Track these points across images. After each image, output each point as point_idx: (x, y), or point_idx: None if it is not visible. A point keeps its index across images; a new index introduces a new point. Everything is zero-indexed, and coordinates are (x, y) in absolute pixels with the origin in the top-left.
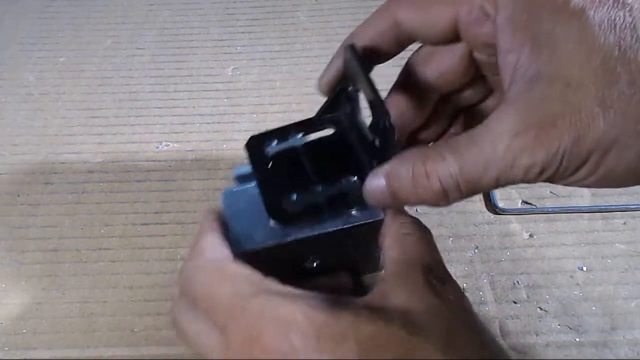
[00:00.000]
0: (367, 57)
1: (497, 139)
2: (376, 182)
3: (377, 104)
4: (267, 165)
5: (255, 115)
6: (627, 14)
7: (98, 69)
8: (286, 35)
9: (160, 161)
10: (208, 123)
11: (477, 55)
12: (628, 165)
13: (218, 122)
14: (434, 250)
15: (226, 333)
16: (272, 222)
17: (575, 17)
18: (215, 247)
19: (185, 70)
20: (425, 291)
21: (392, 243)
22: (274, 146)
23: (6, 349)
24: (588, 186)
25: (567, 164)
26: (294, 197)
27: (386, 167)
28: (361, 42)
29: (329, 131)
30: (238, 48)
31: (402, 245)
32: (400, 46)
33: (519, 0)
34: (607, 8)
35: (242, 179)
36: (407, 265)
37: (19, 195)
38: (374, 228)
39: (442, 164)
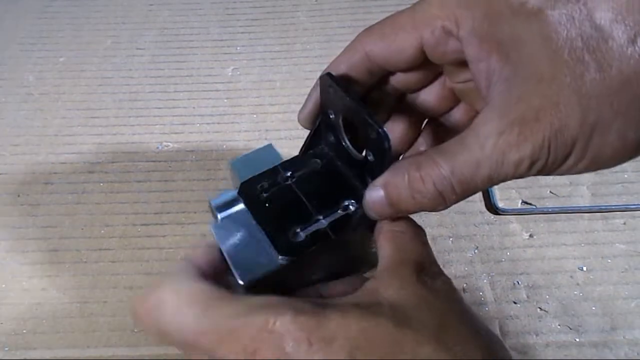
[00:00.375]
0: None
1: (483, 139)
2: (375, 194)
3: (365, 117)
4: (265, 207)
5: (255, 116)
6: (582, 7)
7: (98, 69)
8: (286, 35)
9: (160, 161)
10: (208, 123)
11: (447, 71)
12: (612, 144)
13: (218, 122)
14: (426, 248)
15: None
16: (277, 254)
17: (534, 17)
18: (175, 281)
19: (185, 70)
20: (416, 286)
21: (385, 241)
22: (266, 187)
23: (6, 349)
24: (580, 172)
25: (555, 154)
26: (299, 231)
27: (383, 178)
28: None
29: (314, 165)
30: (238, 48)
31: (395, 243)
32: (373, 77)
33: (477, 11)
34: (563, 4)
35: (221, 207)
36: (399, 262)
37: (19, 196)
38: (372, 226)
39: (435, 168)
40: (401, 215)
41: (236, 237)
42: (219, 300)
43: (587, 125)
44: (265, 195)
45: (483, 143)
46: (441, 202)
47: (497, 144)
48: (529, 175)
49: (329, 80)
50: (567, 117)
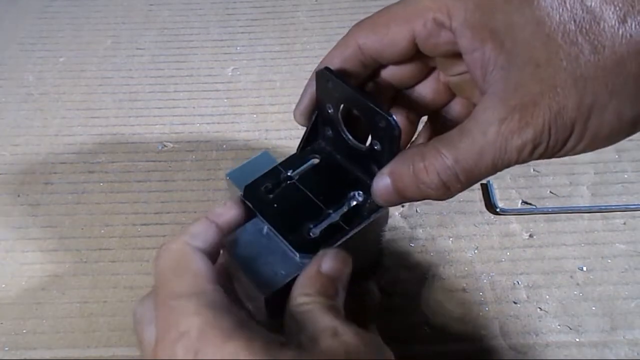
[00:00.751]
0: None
1: (486, 127)
2: (382, 182)
3: (371, 106)
4: (274, 207)
5: (255, 116)
6: None
7: (98, 69)
8: (286, 35)
9: (160, 161)
10: (208, 123)
11: (441, 64)
12: (610, 123)
13: (218, 122)
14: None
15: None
16: (294, 255)
17: (526, 3)
18: (198, 237)
19: (185, 70)
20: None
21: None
22: (270, 188)
23: (6, 349)
24: (580, 152)
25: (556, 137)
26: (312, 227)
27: (389, 167)
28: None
29: (314, 161)
30: (238, 48)
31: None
32: (367, 69)
33: (469, 1)
34: None
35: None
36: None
37: (19, 196)
38: (382, 220)
39: (439, 158)
40: (408, 202)
41: (250, 251)
42: (203, 274)
43: (584, 106)
44: (271, 196)
45: (485, 130)
46: (445, 191)
47: (500, 131)
48: (531, 160)
49: (327, 74)
50: (565, 99)
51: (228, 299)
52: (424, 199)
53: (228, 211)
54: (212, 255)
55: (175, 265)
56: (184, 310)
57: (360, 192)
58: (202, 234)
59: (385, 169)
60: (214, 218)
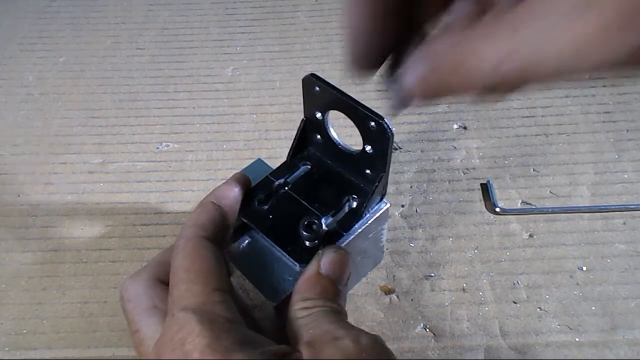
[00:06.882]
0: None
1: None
2: (417, 69)
3: (363, 111)
4: (269, 218)
5: (255, 116)
6: None
7: (98, 69)
8: (286, 35)
9: (160, 161)
10: (208, 123)
11: None
12: None
13: (218, 123)
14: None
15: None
16: (294, 265)
17: None
18: (206, 223)
19: (185, 70)
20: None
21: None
22: (263, 199)
23: (6, 349)
24: None
25: None
26: (309, 236)
27: (427, 49)
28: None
29: (306, 168)
30: (238, 48)
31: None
32: None
33: None
34: None
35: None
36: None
37: (19, 196)
38: (382, 219)
39: (495, 42)
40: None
41: (253, 259)
42: (207, 275)
43: None
44: (265, 207)
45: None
46: (495, 86)
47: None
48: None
49: (313, 80)
50: None
51: (233, 310)
52: (462, 94)
53: (230, 192)
54: (222, 240)
55: (189, 266)
56: (189, 328)
57: (355, 196)
58: (213, 222)
59: (421, 53)
60: (219, 201)
